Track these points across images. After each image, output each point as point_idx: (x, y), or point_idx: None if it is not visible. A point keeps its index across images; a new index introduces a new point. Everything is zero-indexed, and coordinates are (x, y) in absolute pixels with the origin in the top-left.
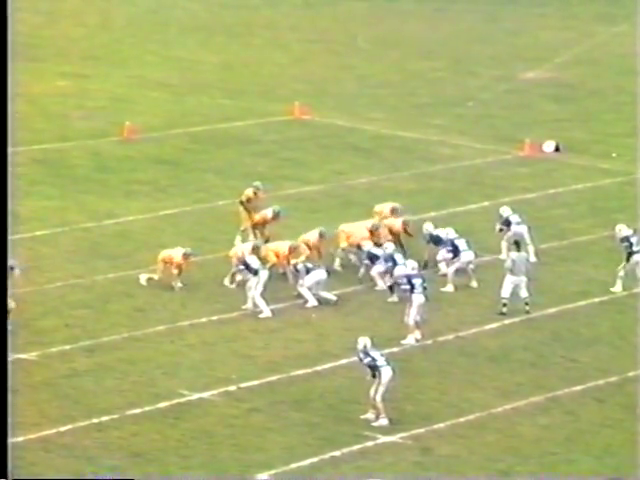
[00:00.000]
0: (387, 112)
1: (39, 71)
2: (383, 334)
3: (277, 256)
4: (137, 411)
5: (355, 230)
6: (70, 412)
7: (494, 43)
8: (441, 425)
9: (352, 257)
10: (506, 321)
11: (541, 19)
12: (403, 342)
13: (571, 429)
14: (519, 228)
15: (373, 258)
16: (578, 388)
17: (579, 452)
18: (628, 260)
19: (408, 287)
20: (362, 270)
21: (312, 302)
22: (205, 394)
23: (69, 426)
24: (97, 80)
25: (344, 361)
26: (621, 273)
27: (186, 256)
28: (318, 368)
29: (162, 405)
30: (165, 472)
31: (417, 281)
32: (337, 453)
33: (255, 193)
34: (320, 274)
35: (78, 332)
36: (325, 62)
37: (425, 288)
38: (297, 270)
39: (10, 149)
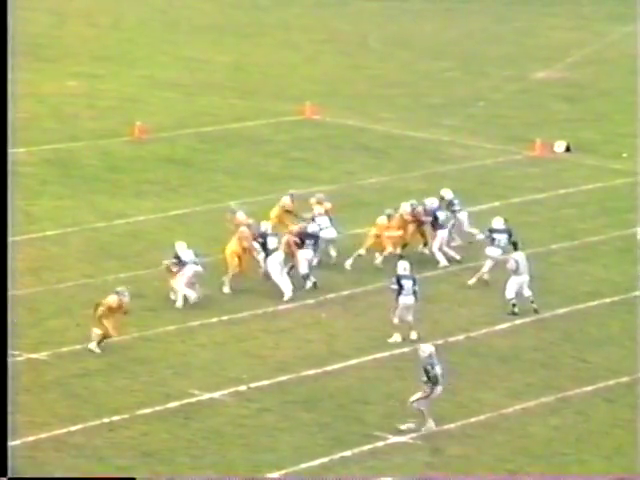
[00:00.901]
0: (398, 112)
1: (50, 71)
2: (392, 334)
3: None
4: (147, 411)
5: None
6: (81, 412)
7: (505, 43)
8: (451, 425)
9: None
10: (517, 321)
11: (552, 19)
12: (389, 340)
13: (581, 429)
14: (461, 215)
15: None
16: (588, 388)
17: (589, 452)
18: None
19: (396, 287)
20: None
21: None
22: (215, 394)
23: (80, 426)
24: (108, 80)
25: (354, 361)
26: None
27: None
28: (328, 368)
29: (172, 405)
30: (175, 472)
31: (407, 283)
32: (347, 453)
33: (292, 199)
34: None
35: (89, 332)
36: (336, 62)
37: (415, 291)
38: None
39: (22, 149)
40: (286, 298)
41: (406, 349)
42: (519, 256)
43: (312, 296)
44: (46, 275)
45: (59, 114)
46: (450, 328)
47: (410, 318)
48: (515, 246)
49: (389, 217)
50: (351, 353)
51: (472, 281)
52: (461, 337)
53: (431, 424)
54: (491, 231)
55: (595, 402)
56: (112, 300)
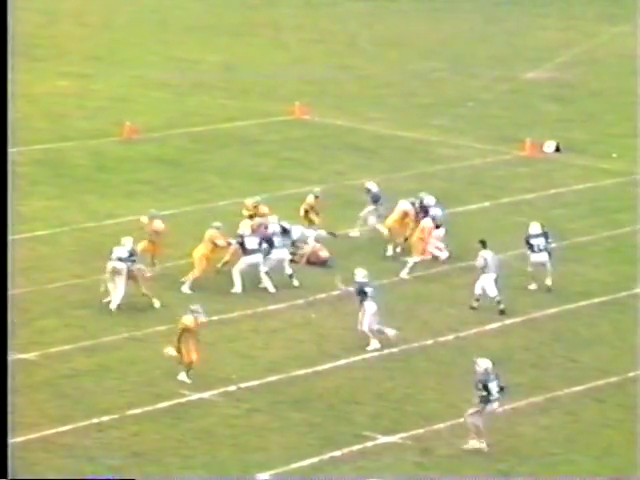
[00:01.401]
0: (387, 112)
1: (40, 71)
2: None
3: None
4: (137, 411)
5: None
6: (70, 412)
7: (494, 43)
8: (441, 425)
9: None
10: (507, 321)
11: (541, 19)
12: (368, 348)
13: (571, 429)
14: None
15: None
16: (578, 388)
17: (579, 452)
18: None
19: (359, 297)
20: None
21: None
22: (205, 394)
23: (69, 426)
24: (98, 80)
25: (344, 361)
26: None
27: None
28: (318, 368)
29: (162, 405)
30: (165, 472)
31: (369, 289)
32: (337, 453)
33: (316, 198)
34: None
35: (78, 332)
36: (326, 62)
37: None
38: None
39: (11, 149)
40: (234, 291)
41: (395, 349)
42: (488, 254)
43: (302, 296)
44: (36, 275)
45: (49, 114)
46: (440, 328)
47: (377, 326)
48: (484, 245)
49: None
50: (341, 353)
51: (533, 286)
52: (451, 337)
53: (483, 444)
54: (528, 237)
55: (585, 402)
56: (188, 320)
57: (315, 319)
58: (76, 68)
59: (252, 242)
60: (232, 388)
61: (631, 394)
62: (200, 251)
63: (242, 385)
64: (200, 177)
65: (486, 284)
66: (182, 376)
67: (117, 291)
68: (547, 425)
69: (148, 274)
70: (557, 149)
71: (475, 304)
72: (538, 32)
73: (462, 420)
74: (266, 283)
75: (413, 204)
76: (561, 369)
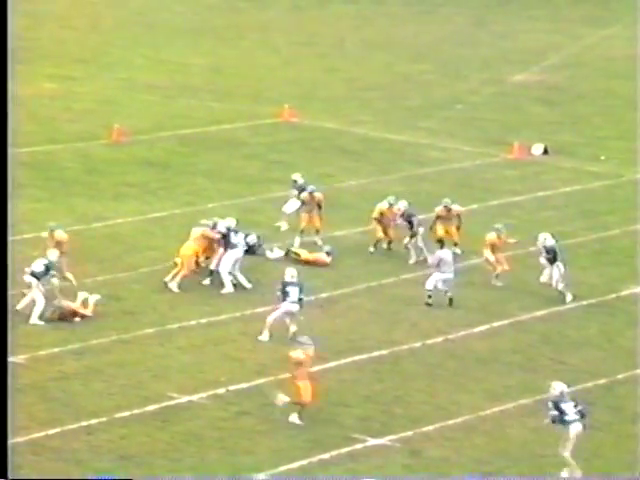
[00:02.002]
0: (376, 115)
1: (27, 74)
2: (371, 336)
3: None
4: (126, 414)
5: None
6: (59, 415)
7: (483, 46)
8: (430, 428)
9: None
10: (495, 324)
11: (529, 22)
12: (259, 337)
13: (560, 432)
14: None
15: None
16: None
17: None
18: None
19: (280, 294)
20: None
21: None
22: (194, 397)
23: (58, 429)
24: (86, 83)
25: (332, 364)
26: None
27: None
28: None
29: (151, 408)
30: (154, 475)
31: (293, 290)
32: (326, 456)
33: (390, 206)
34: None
35: (67, 335)
36: (314, 65)
37: (301, 299)
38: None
39: (9, 150)
40: (224, 292)
41: (384, 351)
42: (444, 254)
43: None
44: (23, 278)
45: (36, 117)
46: (428, 330)
47: (293, 326)
48: (441, 244)
49: (498, 234)
50: (330, 356)
51: (569, 299)
52: (439, 339)
53: (578, 474)
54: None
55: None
56: (297, 354)
57: (303, 322)
58: (63, 71)
59: (237, 237)
60: (221, 391)
61: (620, 396)
62: (191, 249)
63: (231, 388)
64: (188, 180)
65: (441, 281)
66: (294, 417)
67: (36, 303)
68: (536, 427)
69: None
70: (545, 152)
71: (430, 300)
72: (526, 35)
73: (451, 422)
74: (241, 279)
75: (391, 205)
76: (550, 371)
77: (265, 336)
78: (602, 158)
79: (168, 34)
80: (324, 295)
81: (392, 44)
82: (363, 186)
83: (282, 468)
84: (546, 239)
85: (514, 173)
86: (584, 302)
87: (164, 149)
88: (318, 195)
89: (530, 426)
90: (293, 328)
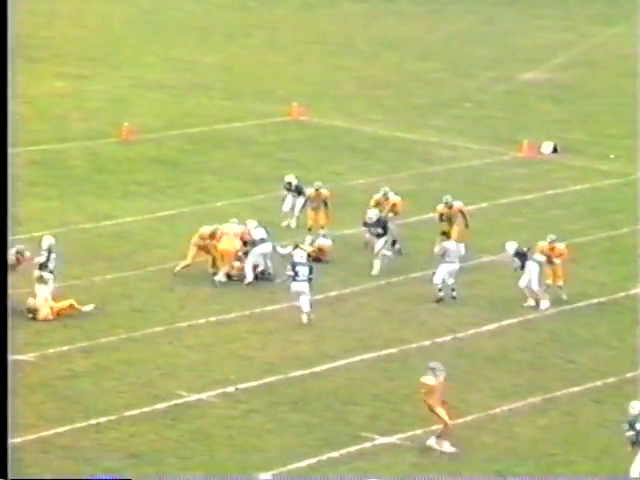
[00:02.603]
0: (385, 113)
1: (37, 72)
2: (381, 335)
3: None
4: (135, 412)
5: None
6: (68, 413)
7: (492, 44)
8: (439, 426)
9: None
10: (504, 322)
11: (539, 20)
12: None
13: (569, 430)
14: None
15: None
16: (576, 389)
17: (577, 453)
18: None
19: (292, 274)
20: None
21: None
22: (203, 395)
23: (67, 427)
24: (95, 81)
25: (342, 362)
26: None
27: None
28: (316, 369)
29: (160, 406)
30: (163, 473)
31: (302, 269)
32: (335, 454)
33: (385, 197)
34: (266, 247)
35: (76, 333)
36: (323, 63)
37: (310, 279)
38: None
39: (9, 150)
40: (247, 282)
41: (393, 350)
42: (450, 245)
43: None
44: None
45: (46, 115)
46: (437, 329)
47: (306, 308)
48: (447, 237)
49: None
50: (339, 354)
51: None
52: (448, 338)
53: None
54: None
55: (582, 403)
56: (429, 381)
57: (313, 320)
58: (74, 69)
59: (259, 233)
60: (230, 389)
61: (629, 395)
62: (232, 245)
63: (240, 386)
64: (197, 178)
65: (448, 273)
66: (447, 446)
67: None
68: (545, 426)
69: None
70: (554, 150)
71: (441, 294)
72: (535, 33)
73: (459, 420)
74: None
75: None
76: (559, 370)
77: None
78: (611, 156)
79: (178, 32)
80: (333, 293)
81: (402, 42)
82: (372, 184)
83: (291, 466)
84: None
85: (523, 171)
86: (593, 300)
87: (173, 147)
88: (324, 192)
89: (539, 425)
90: (305, 318)
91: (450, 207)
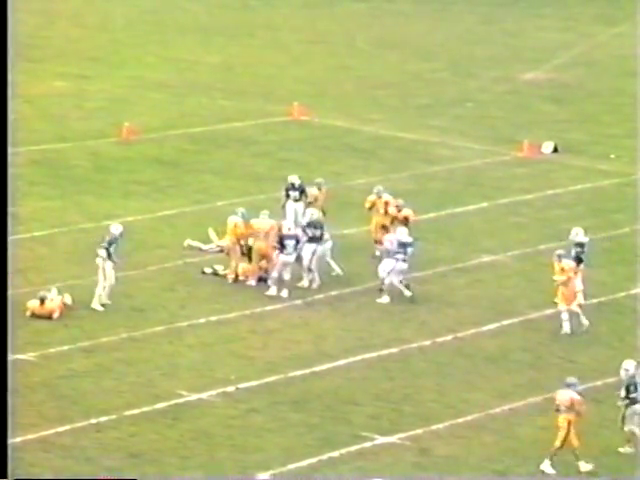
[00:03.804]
0: (386, 113)
1: (38, 72)
2: (381, 335)
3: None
4: (135, 412)
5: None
6: (68, 413)
7: (493, 44)
8: (439, 426)
9: None
10: (504, 322)
11: (540, 20)
12: (267, 293)
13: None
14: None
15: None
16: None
17: (578, 453)
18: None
19: (278, 247)
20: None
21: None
22: (204, 395)
23: (67, 427)
24: (96, 81)
25: (342, 362)
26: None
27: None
28: (316, 369)
29: (160, 406)
30: (163, 473)
31: (289, 242)
32: (335, 454)
33: (379, 196)
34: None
35: (76, 333)
36: (324, 63)
37: (296, 249)
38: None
39: (9, 150)
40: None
41: (394, 349)
42: (392, 237)
43: (300, 297)
44: (33, 276)
45: (47, 115)
46: (438, 329)
47: (287, 276)
48: (386, 230)
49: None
50: (339, 354)
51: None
52: (449, 338)
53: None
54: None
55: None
56: (566, 397)
57: (313, 319)
58: (74, 69)
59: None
60: (230, 389)
61: None
62: (265, 244)
63: (240, 386)
64: (198, 178)
65: (388, 267)
66: (545, 465)
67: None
68: (545, 426)
69: None
70: (555, 150)
71: (383, 287)
72: (536, 33)
73: (460, 420)
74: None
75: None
76: (559, 370)
77: (273, 291)
78: (612, 156)
79: (178, 32)
80: (334, 293)
81: (402, 42)
82: (373, 184)
83: (291, 466)
84: (578, 234)
85: (524, 171)
86: (594, 300)
87: (174, 147)
88: (325, 188)
89: (539, 424)
90: (287, 277)
91: (379, 197)
